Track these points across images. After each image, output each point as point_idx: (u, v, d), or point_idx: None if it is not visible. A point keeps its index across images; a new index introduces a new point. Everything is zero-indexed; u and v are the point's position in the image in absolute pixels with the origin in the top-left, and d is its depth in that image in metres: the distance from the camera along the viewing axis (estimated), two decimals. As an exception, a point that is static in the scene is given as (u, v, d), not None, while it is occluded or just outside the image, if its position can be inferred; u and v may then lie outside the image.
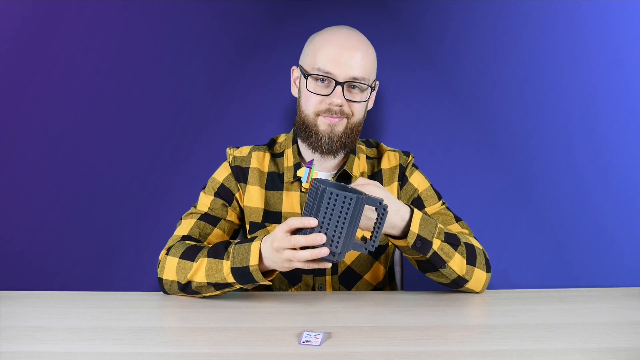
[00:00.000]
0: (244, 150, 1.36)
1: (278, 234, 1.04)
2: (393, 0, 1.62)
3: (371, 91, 1.29)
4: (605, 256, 1.62)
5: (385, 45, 1.62)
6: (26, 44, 1.63)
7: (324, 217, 0.98)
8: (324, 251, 0.98)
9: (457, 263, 1.17)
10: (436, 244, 1.13)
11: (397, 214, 1.11)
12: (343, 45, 1.23)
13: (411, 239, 1.11)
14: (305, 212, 1.01)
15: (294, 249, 1.01)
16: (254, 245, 1.10)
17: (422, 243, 1.12)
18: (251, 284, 1.13)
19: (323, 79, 1.23)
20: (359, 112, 1.27)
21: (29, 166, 1.65)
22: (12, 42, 1.63)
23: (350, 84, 1.24)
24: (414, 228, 1.11)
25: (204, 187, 1.35)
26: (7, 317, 1.10)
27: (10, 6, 1.62)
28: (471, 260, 1.19)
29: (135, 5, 1.62)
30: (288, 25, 1.62)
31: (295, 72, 1.33)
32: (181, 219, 1.31)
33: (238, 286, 1.14)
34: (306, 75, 1.25)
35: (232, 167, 1.33)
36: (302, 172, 1.24)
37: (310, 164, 1.21)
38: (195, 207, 1.32)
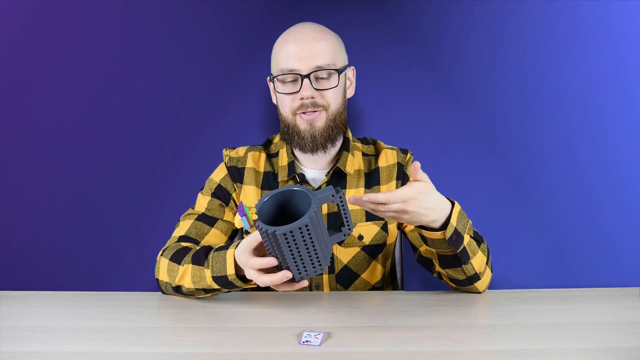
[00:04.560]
0: (240, 150, 1.36)
1: (242, 249, 1.02)
2: (393, 1, 1.62)
3: (339, 74, 1.27)
4: (605, 256, 1.62)
5: (385, 46, 1.62)
6: (26, 44, 1.63)
7: (292, 256, 0.92)
8: (287, 274, 0.95)
9: (478, 260, 1.16)
10: (466, 240, 1.13)
11: (442, 209, 1.07)
12: (299, 39, 1.24)
13: (449, 232, 1.08)
14: (267, 247, 0.95)
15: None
16: (229, 254, 1.09)
17: (457, 237, 1.10)
18: (236, 288, 1.13)
19: (290, 77, 1.24)
20: (334, 99, 1.27)
21: (29, 166, 1.65)
22: (12, 42, 1.63)
23: (317, 74, 1.24)
24: (454, 221, 1.09)
25: (201, 189, 1.35)
26: (7, 317, 1.11)
27: (10, 6, 1.62)
28: (487, 258, 1.20)
29: (135, 5, 1.62)
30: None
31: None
32: (179, 220, 1.31)
33: (226, 290, 1.14)
34: (273, 78, 1.27)
35: (228, 168, 1.34)
36: (239, 223, 0.99)
37: (242, 211, 0.97)
38: (193, 208, 1.32)
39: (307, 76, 1.23)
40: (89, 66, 1.64)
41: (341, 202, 0.98)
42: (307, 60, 1.23)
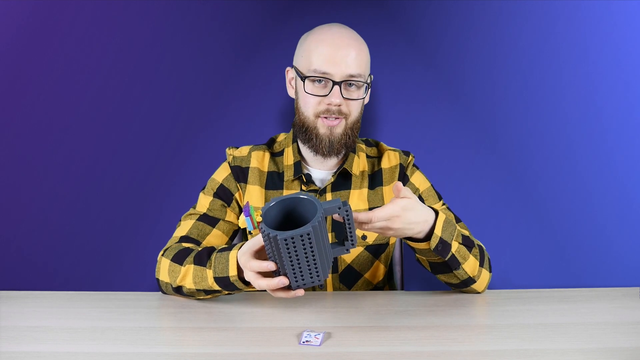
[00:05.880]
0: (244, 150, 1.36)
1: (244, 250, 1.03)
2: (392, 1, 1.62)
3: (367, 88, 1.28)
4: (605, 256, 1.62)
5: (385, 46, 1.62)
6: (26, 44, 1.63)
7: (291, 263, 0.92)
8: (283, 280, 0.95)
9: (470, 265, 1.17)
10: (454, 247, 1.13)
11: (425, 221, 1.07)
12: (337, 43, 1.22)
13: (434, 242, 1.09)
14: (268, 251, 0.95)
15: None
16: (232, 255, 1.09)
17: (443, 246, 1.10)
18: (237, 291, 1.13)
19: (320, 80, 1.23)
20: (356, 109, 1.27)
21: (29, 166, 1.65)
22: (12, 42, 1.63)
23: (347, 82, 1.23)
24: (438, 231, 1.09)
25: (203, 188, 1.35)
26: (7, 317, 1.11)
27: (10, 6, 1.62)
28: (481, 261, 1.20)
29: (135, 5, 1.62)
30: (288, 25, 1.62)
31: (290, 73, 1.32)
32: (180, 220, 1.31)
33: (227, 292, 1.14)
34: (303, 77, 1.24)
35: (231, 167, 1.33)
36: (244, 223, 1.00)
37: (247, 212, 0.98)
38: (194, 208, 1.32)
39: (339, 83, 1.21)
40: (89, 66, 1.64)
41: (347, 215, 0.98)
42: (341, 66, 1.21)
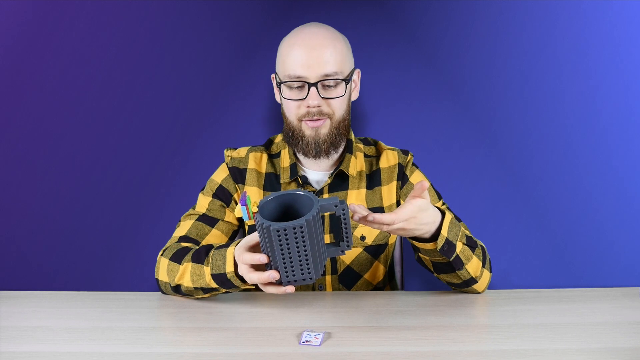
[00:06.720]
0: (242, 151, 1.36)
1: (240, 244, 1.04)
2: (393, 1, 1.62)
3: (347, 84, 1.26)
4: (605, 256, 1.62)
5: (385, 45, 1.62)
6: (26, 44, 1.63)
7: (282, 256, 0.91)
8: (274, 274, 0.95)
9: (473, 265, 1.17)
10: (459, 247, 1.13)
11: (434, 222, 1.07)
12: (308, 44, 1.22)
13: (440, 243, 1.09)
14: (261, 244, 0.95)
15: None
16: (229, 251, 1.09)
17: (449, 246, 1.10)
18: (234, 288, 1.13)
19: (296, 85, 1.23)
20: (339, 108, 1.26)
21: (29, 166, 1.65)
22: (12, 42, 1.63)
23: (324, 82, 1.23)
24: (444, 232, 1.09)
25: (202, 189, 1.35)
26: (7, 317, 1.11)
27: (10, 6, 1.62)
28: (483, 262, 1.20)
29: (135, 5, 1.62)
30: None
31: (275, 79, 1.33)
32: (180, 221, 1.31)
33: (224, 290, 1.14)
34: (279, 83, 1.26)
35: (229, 169, 1.34)
36: (240, 212, 1.00)
37: (244, 201, 0.99)
38: (193, 208, 1.32)
39: (315, 85, 1.21)
40: (89, 66, 1.64)
41: (343, 214, 0.96)
42: (315, 68, 1.21)
